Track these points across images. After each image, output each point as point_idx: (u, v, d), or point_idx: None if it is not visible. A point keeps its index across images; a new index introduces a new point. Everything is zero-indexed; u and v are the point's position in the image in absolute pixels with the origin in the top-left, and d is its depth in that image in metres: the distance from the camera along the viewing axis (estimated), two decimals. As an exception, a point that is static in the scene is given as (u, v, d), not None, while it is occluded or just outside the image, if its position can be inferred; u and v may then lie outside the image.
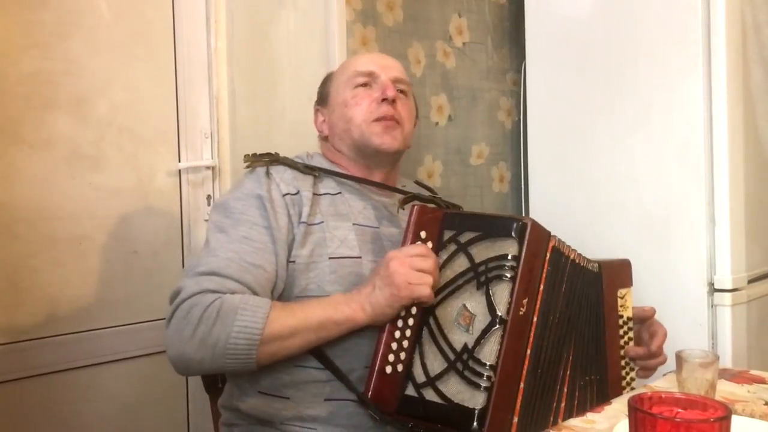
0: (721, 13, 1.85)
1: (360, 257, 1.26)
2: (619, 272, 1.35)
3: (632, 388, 1.35)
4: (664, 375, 1.31)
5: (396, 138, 1.34)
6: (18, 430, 1.49)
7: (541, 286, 1.15)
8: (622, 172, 2.03)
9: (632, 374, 1.36)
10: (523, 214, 2.41)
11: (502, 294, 1.10)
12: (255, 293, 1.16)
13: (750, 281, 1.92)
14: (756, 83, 1.99)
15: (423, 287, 1.12)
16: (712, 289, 1.88)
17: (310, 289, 1.22)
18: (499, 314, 1.09)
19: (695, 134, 1.89)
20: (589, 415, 1.09)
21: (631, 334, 1.35)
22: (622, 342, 1.34)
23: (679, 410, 0.73)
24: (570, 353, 1.21)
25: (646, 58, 1.98)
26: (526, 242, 1.10)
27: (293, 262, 1.23)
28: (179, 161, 1.73)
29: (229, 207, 1.25)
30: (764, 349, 1.99)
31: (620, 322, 1.33)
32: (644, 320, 1.37)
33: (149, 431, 1.67)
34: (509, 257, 1.10)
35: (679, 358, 1.08)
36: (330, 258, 1.23)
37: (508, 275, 1.10)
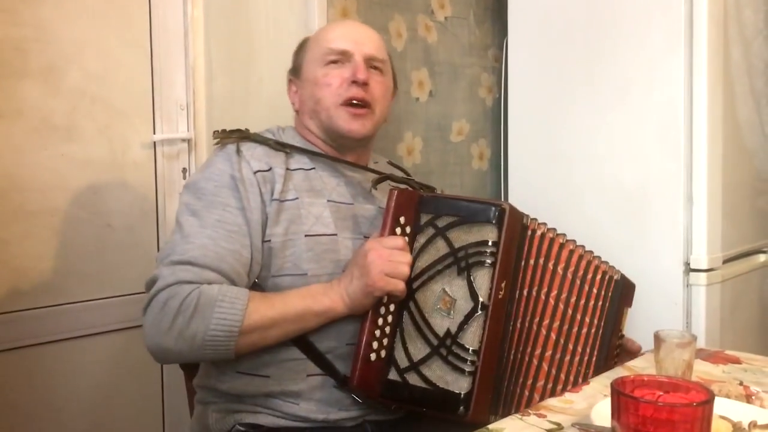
0: (703, -8, 1.85)
1: (336, 234, 1.24)
2: (629, 291, 1.41)
3: None
4: (642, 354, 1.32)
5: (365, 125, 1.30)
6: (-12, 406, 1.47)
7: (512, 265, 1.18)
8: (602, 150, 2.03)
9: None
10: (502, 192, 2.40)
11: (483, 280, 1.11)
12: (232, 281, 1.15)
13: (725, 261, 1.95)
14: (736, 63, 2.00)
15: (397, 282, 1.13)
16: (688, 269, 1.90)
17: (287, 267, 1.20)
18: (482, 300, 1.11)
19: (675, 113, 1.89)
20: (568, 395, 1.10)
21: (617, 350, 1.41)
22: (613, 353, 1.39)
23: (662, 393, 0.73)
24: (553, 330, 1.25)
25: (628, 36, 1.98)
26: (504, 228, 1.12)
27: (268, 241, 1.20)
28: (154, 133, 1.69)
29: (201, 188, 1.21)
30: (737, 328, 2.02)
31: (618, 335, 1.39)
32: (628, 353, 1.42)
33: (123, 406, 1.65)
34: (489, 243, 1.12)
35: (657, 339, 1.09)
36: (306, 236, 1.21)
37: (489, 261, 1.12)
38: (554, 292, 1.24)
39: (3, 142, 1.47)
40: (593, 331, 1.31)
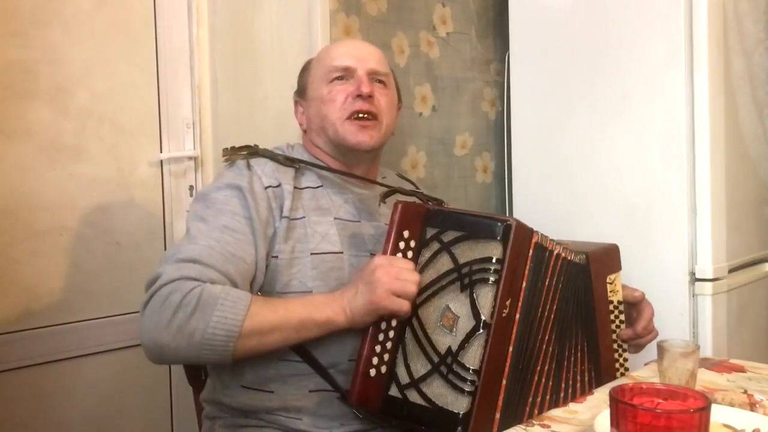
0: (703, 4, 1.86)
1: (342, 252, 1.25)
2: (608, 259, 1.35)
3: (626, 369, 1.36)
4: (646, 364, 1.32)
5: (372, 136, 1.32)
6: (-1, 423, 1.48)
7: (524, 284, 1.14)
8: (605, 162, 2.04)
9: (625, 355, 1.37)
10: (507, 205, 2.41)
11: (486, 297, 1.09)
12: (235, 284, 1.14)
13: (730, 271, 1.94)
14: (737, 74, 2.01)
15: (403, 302, 1.12)
16: (694, 279, 1.89)
17: (293, 285, 1.21)
18: (483, 318, 1.08)
19: (677, 124, 1.90)
20: (571, 405, 1.10)
21: (622, 317, 1.36)
22: (614, 326, 1.34)
23: (660, 401, 0.73)
24: (552, 346, 1.21)
25: (629, 49, 1.99)
26: (510, 244, 1.09)
27: (276, 257, 1.21)
28: (161, 151, 1.71)
29: (210, 197, 1.23)
30: (743, 337, 2.01)
31: (611, 307, 1.34)
32: (634, 304, 1.38)
33: (132, 423, 1.66)
34: (494, 260, 1.09)
35: (661, 348, 1.09)
36: (312, 254, 1.23)
37: (492, 279, 1.09)
38: (555, 306, 1.22)
39: (12, 162, 1.49)
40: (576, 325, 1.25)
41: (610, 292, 1.33)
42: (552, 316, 1.21)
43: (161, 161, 1.71)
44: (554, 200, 2.14)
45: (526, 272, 1.15)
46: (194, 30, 1.76)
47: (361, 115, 1.31)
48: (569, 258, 1.24)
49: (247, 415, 1.23)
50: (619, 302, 1.35)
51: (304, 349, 1.19)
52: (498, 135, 2.48)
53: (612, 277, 1.34)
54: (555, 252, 1.21)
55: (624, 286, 1.38)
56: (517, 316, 1.13)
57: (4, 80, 1.48)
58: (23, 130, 1.51)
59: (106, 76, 1.62)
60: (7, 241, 1.48)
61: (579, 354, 1.27)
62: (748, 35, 2.06)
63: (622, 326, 1.36)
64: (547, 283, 1.20)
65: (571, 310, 1.25)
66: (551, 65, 2.16)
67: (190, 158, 1.75)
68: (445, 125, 2.31)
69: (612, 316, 1.34)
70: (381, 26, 2.08)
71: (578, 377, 1.26)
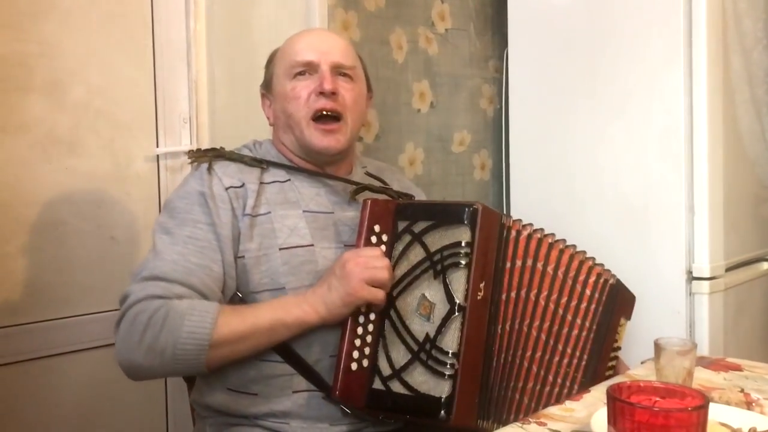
0: (702, 2, 1.86)
1: (312, 245, 1.23)
2: (627, 302, 1.37)
3: None
4: (643, 362, 1.32)
5: (339, 140, 1.29)
6: (-8, 418, 1.47)
7: (492, 266, 1.17)
8: (603, 160, 2.04)
9: None
10: (504, 202, 2.41)
11: (458, 281, 1.11)
12: (203, 295, 1.14)
13: (727, 269, 1.94)
14: (736, 73, 2.00)
15: (377, 291, 1.14)
16: (691, 278, 1.89)
17: (264, 283, 1.20)
18: (458, 302, 1.10)
19: (675, 123, 1.89)
20: (568, 403, 1.10)
21: (613, 363, 1.36)
22: (608, 364, 1.35)
23: (658, 399, 0.73)
24: (543, 331, 1.23)
25: (628, 47, 1.99)
26: (478, 227, 1.12)
27: (242, 257, 1.20)
28: (157, 146, 1.71)
29: (174, 207, 1.22)
30: (740, 336, 2.01)
31: (613, 345, 1.35)
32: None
33: (128, 418, 1.66)
34: (463, 244, 1.12)
35: (657, 346, 1.09)
36: (280, 249, 1.21)
37: (463, 262, 1.11)
38: (544, 293, 1.23)
39: (8, 155, 1.48)
40: (584, 333, 1.27)
41: (617, 333, 1.35)
42: (541, 303, 1.23)
43: (157, 156, 1.71)
44: (552, 198, 2.14)
45: (494, 254, 1.17)
46: (192, 24, 1.75)
47: (325, 113, 1.27)
48: (593, 267, 1.28)
49: (236, 416, 1.22)
50: (618, 348, 1.36)
51: (285, 349, 1.18)
52: (496, 132, 2.48)
53: (623, 320, 1.35)
54: (524, 234, 1.22)
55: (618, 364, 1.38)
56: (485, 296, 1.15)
57: (0, 73, 1.47)
58: (19, 124, 1.50)
59: (102, 70, 1.61)
60: (1, 235, 1.47)
61: (576, 360, 1.27)
62: (746, 34, 2.06)
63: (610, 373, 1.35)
64: (520, 264, 1.21)
65: (575, 307, 1.26)
66: (550, 63, 2.16)
67: (186, 153, 1.74)
68: (443, 122, 2.30)
69: (611, 354, 1.35)
70: (379, 22, 2.07)
71: (566, 382, 1.27)
